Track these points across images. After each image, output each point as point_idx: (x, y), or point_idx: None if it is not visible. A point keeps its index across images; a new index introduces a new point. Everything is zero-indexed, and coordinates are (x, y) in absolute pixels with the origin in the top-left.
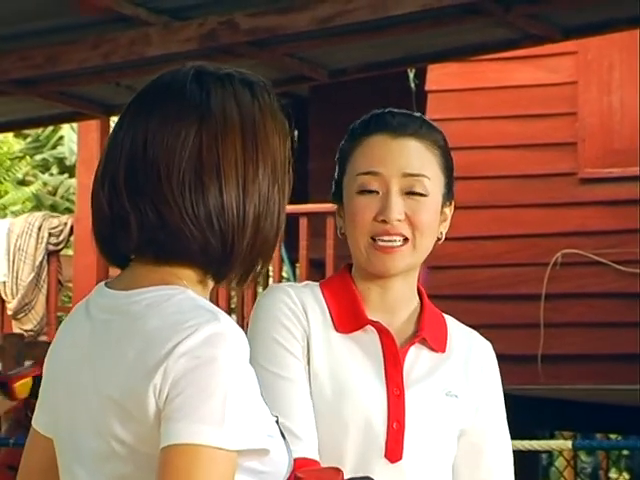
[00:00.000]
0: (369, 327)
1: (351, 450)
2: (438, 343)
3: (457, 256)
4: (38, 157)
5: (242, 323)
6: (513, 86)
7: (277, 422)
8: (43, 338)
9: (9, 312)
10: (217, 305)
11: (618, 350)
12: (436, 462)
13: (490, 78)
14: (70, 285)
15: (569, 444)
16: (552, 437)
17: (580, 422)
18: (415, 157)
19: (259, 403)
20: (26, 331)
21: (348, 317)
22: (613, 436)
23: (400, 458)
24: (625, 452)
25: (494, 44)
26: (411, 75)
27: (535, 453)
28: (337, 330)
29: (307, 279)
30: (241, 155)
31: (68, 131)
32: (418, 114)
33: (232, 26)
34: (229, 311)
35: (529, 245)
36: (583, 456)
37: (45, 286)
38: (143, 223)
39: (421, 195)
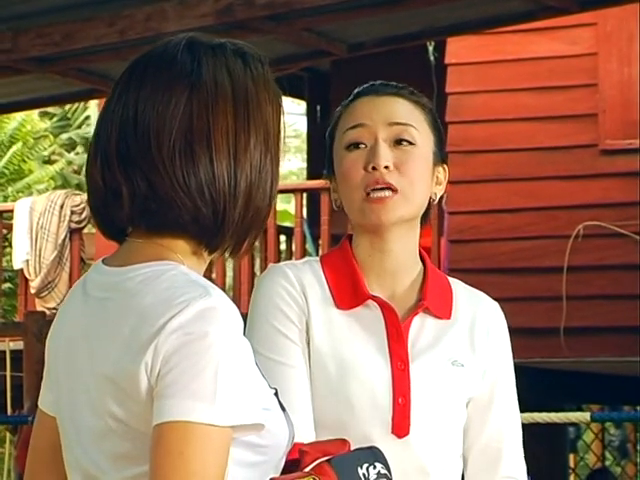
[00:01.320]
0: (370, 302)
1: (357, 428)
2: (442, 310)
3: (478, 229)
4: (64, 136)
5: None
6: (533, 58)
7: (276, 394)
8: None
9: (32, 290)
10: (240, 283)
11: None
12: (444, 433)
13: (509, 50)
14: (93, 263)
15: (587, 416)
16: (580, 410)
17: (607, 395)
18: (401, 108)
19: (254, 377)
20: (49, 309)
21: (348, 293)
22: None
23: (407, 433)
24: None
25: (511, 16)
26: (430, 48)
27: (562, 426)
28: (338, 307)
29: None
30: (232, 124)
31: (94, 110)
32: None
33: (248, 1)
34: (251, 289)
35: (550, 218)
36: (612, 429)
37: (68, 264)
38: (135, 193)
39: (409, 143)
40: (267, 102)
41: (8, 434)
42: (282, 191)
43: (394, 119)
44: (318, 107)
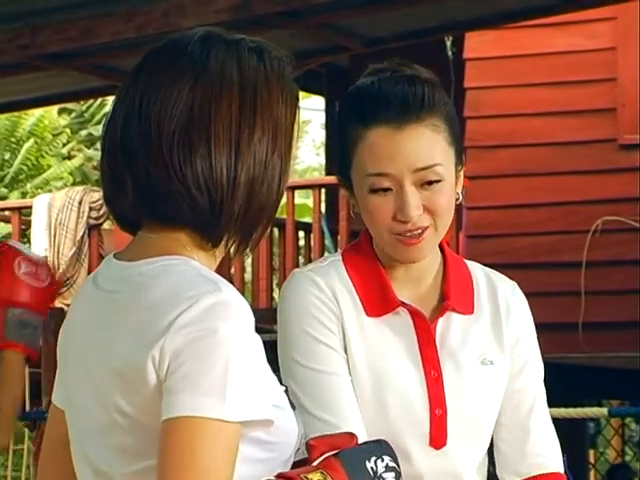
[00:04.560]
0: (400, 308)
1: (393, 440)
2: (465, 305)
3: (497, 224)
4: (83, 132)
5: None
6: (551, 53)
7: (286, 392)
8: None
9: None
10: (258, 279)
11: None
12: (479, 438)
13: (528, 45)
14: None
15: (605, 411)
16: (599, 406)
17: (629, 390)
18: (424, 148)
19: (264, 373)
20: (68, 305)
21: (378, 300)
22: None
23: (445, 444)
24: None
25: (530, 10)
26: (449, 43)
27: (582, 422)
28: (367, 314)
29: None
30: (236, 117)
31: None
32: (409, 73)
33: None
34: (269, 285)
35: (569, 212)
36: (632, 425)
37: (87, 260)
38: (136, 183)
39: (437, 182)
40: (280, 99)
41: (27, 430)
42: (300, 187)
43: (419, 164)
44: (337, 103)
